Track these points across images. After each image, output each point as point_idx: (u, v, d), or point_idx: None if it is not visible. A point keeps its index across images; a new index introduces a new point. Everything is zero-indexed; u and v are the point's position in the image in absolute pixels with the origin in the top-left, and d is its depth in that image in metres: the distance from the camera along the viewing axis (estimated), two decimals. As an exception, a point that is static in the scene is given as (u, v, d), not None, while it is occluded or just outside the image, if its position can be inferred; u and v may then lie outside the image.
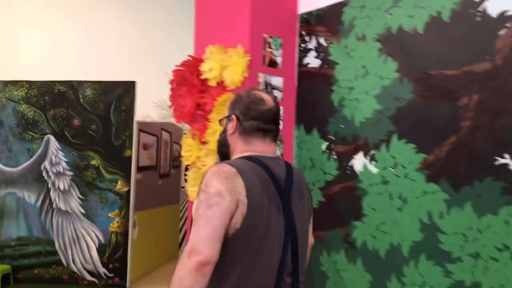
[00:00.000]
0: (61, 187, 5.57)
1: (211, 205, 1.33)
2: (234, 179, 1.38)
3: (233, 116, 1.58)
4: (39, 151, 5.64)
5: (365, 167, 2.64)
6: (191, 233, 1.32)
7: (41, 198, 5.59)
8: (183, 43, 5.36)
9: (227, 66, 2.89)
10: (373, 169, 2.59)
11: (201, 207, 1.35)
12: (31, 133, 5.67)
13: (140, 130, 5.70)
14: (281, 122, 1.66)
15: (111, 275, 5.44)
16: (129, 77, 5.58)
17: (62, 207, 5.55)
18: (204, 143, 3.02)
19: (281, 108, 2.83)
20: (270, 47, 2.97)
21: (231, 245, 1.35)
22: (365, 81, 2.67)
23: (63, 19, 5.67)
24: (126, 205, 5.50)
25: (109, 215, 5.50)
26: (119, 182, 5.52)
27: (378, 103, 2.59)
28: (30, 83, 5.70)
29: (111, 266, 5.45)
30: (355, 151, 2.69)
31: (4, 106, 5.72)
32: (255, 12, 2.91)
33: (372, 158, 2.60)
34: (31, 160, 5.63)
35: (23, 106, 5.70)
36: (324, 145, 2.87)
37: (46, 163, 5.61)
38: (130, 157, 5.53)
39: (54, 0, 5.67)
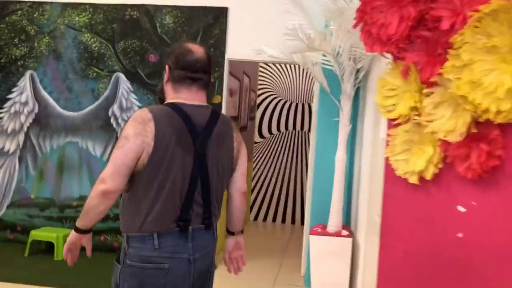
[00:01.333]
0: (133, 138, 4.51)
1: (118, 147, 1.58)
2: (146, 124, 1.59)
3: (166, 66, 1.73)
4: (106, 92, 4.55)
5: None
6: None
7: (108, 151, 4.56)
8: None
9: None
10: None
11: (115, 147, 1.61)
12: (95, 69, 4.57)
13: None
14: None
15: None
16: (220, 2, 4.37)
17: (134, 162, 4.51)
18: (430, 84, 1.84)
19: None
20: None
21: (142, 177, 1.60)
22: None
23: None
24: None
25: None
26: (205, 135, 4.43)
27: None
28: (94, 6, 4.54)
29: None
30: None
31: (63, 34, 4.60)
32: None
33: None
34: (97, 103, 4.56)
35: (86, 35, 4.57)
36: None
37: (115, 108, 4.54)
38: (220, 104, 4.41)
39: None
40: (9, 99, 4.67)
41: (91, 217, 1.62)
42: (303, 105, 6.37)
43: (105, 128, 4.54)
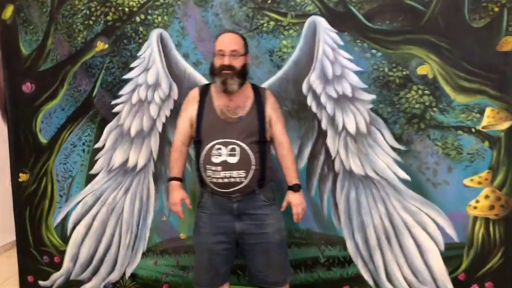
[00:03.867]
0: (350, 127, 2.62)
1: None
2: None
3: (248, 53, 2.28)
4: (295, 53, 2.64)
5: None
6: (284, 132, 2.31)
7: (307, 150, 2.69)
8: None
9: None
10: None
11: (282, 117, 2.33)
12: (273, 15, 2.64)
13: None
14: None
15: (477, 305, 2.61)
16: None
17: (355, 167, 2.64)
18: None
19: None
20: None
21: None
22: None
23: None
24: (506, 160, 2.51)
25: (466, 182, 2.55)
26: (487, 112, 2.50)
27: None
28: None
29: (476, 287, 2.60)
30: None
31: (206, -39, 2.67)
32: None
33: None
34: (280, 72, 2.66)
35: (248, -43, 2.63)
36: None
37: (313, 77, 2.63)
38: (511, 54, 2.45)
39: None
40: (127, 81, 2.81)
41: None
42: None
43: (297, 114, 2.65)
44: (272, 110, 2.28)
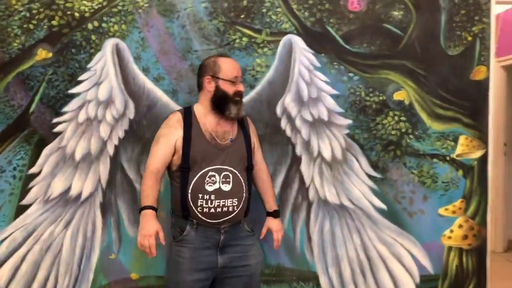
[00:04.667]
0: (326, 153, 2.47)
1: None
2: None
3: None
4: (270, 72, 2.45)
5: None
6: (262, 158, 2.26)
7: (281, 177, 2.48)
8: None
9: None
10: None
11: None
12: (246, 31, 2.44)
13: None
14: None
15: None
16: None
17: (330, 196, 2.48)
18: None
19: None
20: None
21: None
22: None
23: None
24: (478, 189, 2.50)
25: (441, 211, 2.50)
26: (461, 140, 2.49)
27: None
28: None
29: (450, 320, 2.52)
30: None
31: (171, -32, 2.41)
32: None
33: None
34: (253, 92, 2.44)
35: (218, -33, 2.42)
36: None
37: (288, 100, 2.46)
38: (484, 82, 2.48)
39: None
40: (73, 96, 2.42)
41: None
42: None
43: (270, 138, 2.45)
44: (254, 136, 2.20)
